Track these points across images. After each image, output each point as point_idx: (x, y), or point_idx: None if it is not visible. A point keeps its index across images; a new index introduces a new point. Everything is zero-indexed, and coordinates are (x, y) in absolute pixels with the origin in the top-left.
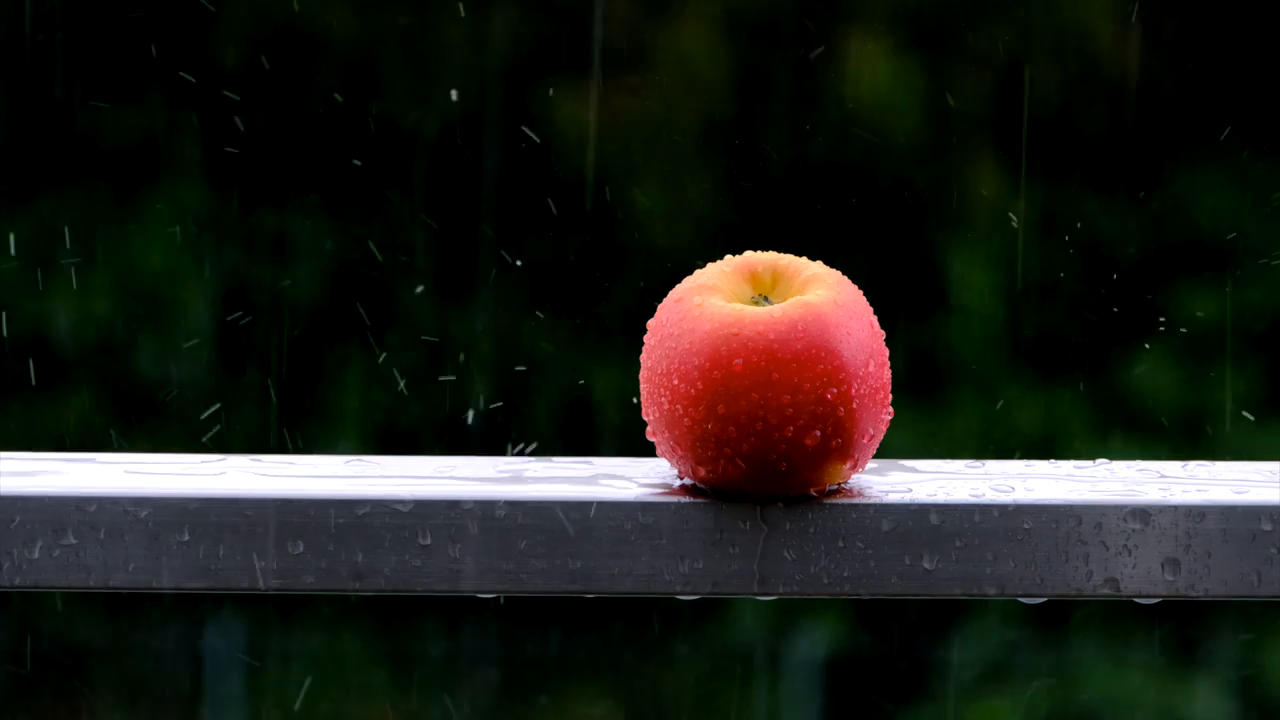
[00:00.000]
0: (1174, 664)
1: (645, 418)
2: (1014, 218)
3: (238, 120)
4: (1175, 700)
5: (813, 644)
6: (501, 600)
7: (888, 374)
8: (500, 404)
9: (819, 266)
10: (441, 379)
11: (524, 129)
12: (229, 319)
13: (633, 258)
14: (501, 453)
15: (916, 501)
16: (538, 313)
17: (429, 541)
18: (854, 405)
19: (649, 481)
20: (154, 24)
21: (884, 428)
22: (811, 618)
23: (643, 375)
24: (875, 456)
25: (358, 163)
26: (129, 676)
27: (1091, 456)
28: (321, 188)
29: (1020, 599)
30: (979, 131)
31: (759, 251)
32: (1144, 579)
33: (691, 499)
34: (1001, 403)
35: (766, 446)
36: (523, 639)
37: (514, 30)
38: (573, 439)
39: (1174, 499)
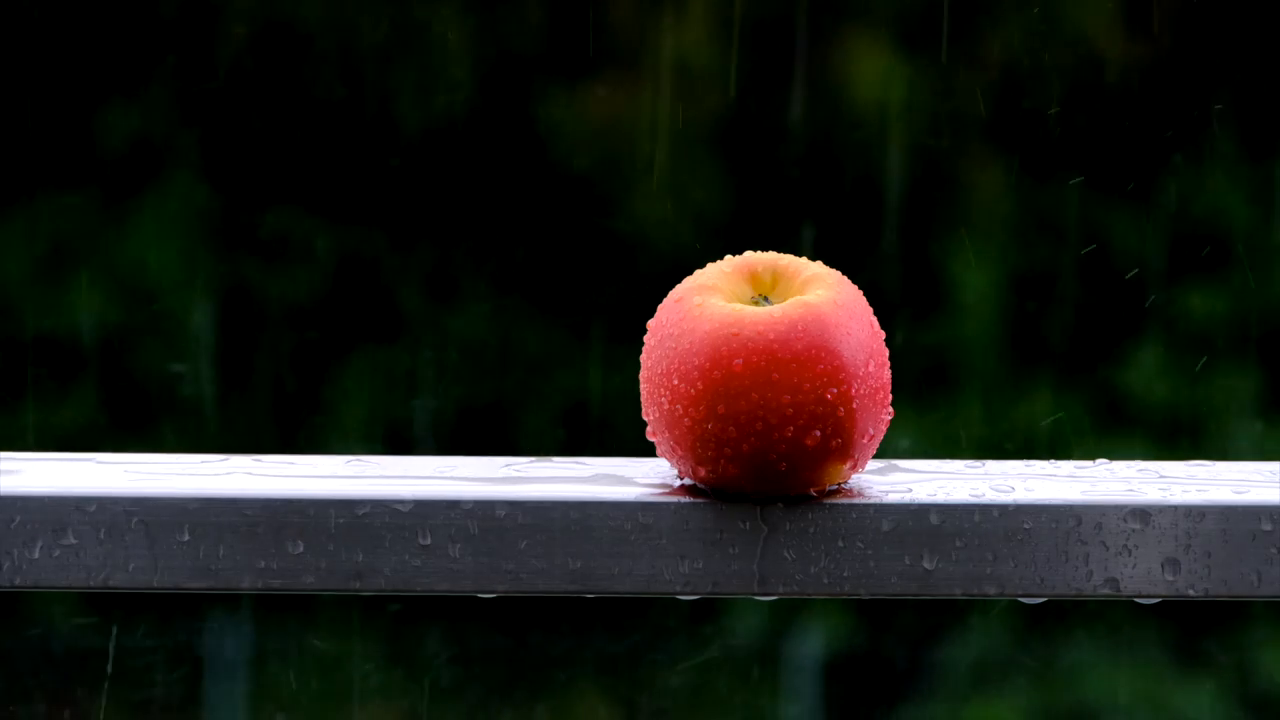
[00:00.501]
0: (1174, 664)
1: (645, 418)
2: (1014, 218)
3: (238, 120)
4: (1175, 700)
5: (813, 644)
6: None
7: (888, 374)
8: (500, 404)
9: (819, 266)
10: (441, 379)
11: (524, 128)
12: (229, 319)
13: (633, 258)
14: (501, 453)
15: (916, 501)
16: (537, 313)
17: (429, 541)
18: (854, 405)
19: (649, 481)
20: (154, 23)
21: (884, 428)
22: (811, 618)
23: (643, 375)
24: (875, 456)
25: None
26: (129, 676)
27: (1091, 456)
28: (321, 187)
29: (1020, 599)
30: (979, 131)
31: (759, 251)
32: (1144, 579)
33: (691, 499)
34: (1002, 403)
35: (766, 446)
36: (523, 639)
37: (514, 29)
38: (572, 439)
39: (1174, 499)
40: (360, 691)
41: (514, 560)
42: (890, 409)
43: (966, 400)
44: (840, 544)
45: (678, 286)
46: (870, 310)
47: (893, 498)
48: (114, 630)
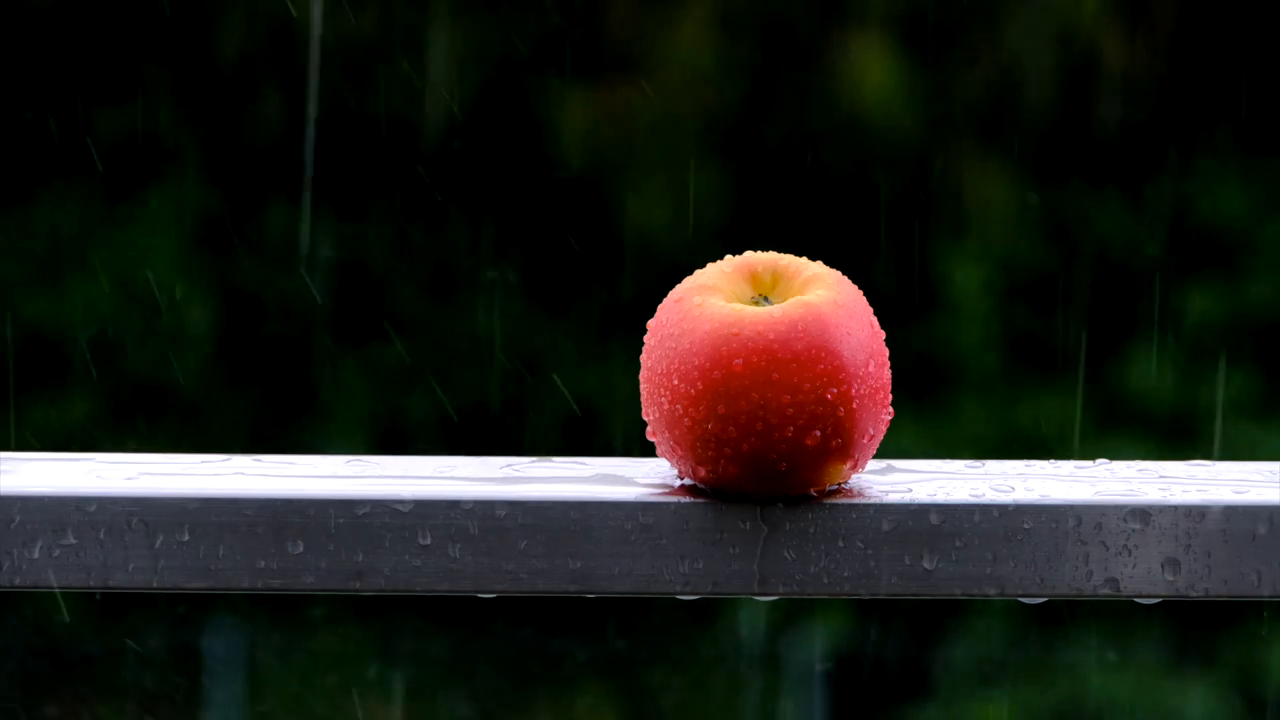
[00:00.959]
0: (1174, 664)
1: (645, 418)
2: (1013, 218)
3: (238, 120)
4: (1175, 700)
5: (813, 644)
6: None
7: (888, 374)
8: (500, 403)
9: (819, 266)
10: (441, 379)
11: (524, 128)
12: (228, 319)
13: (633, 258)
14: (501, 453)
15: (916, 501)
16: (537, 312)
17: (429, 541)
18: (854, 405)
19: (649, 481)
20: (154, 23)
21: (884, 428)
22: (811, 618)
23: (643, 375)
24: (875, 456)
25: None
26: (129, 676)
27: (1091, 456)
28: (321, 187)
29: (1020, 599)
30: (979, 131)
31: (759, 251)
32: (1144, 579)
33: (691, 499)
34: (1001, 403)
35: (766, 446)
36: (523, 639)
37: (514, 30)
38: (573, 439)
39: (1174, 499)
40: (360, 692)
41: (514, 560)
42: (890, 409)
43: (966, 400)
44: (840, 544)
45: (678, 286)
46: (870, 310)
47: (893, 498)
48: (114, 630)
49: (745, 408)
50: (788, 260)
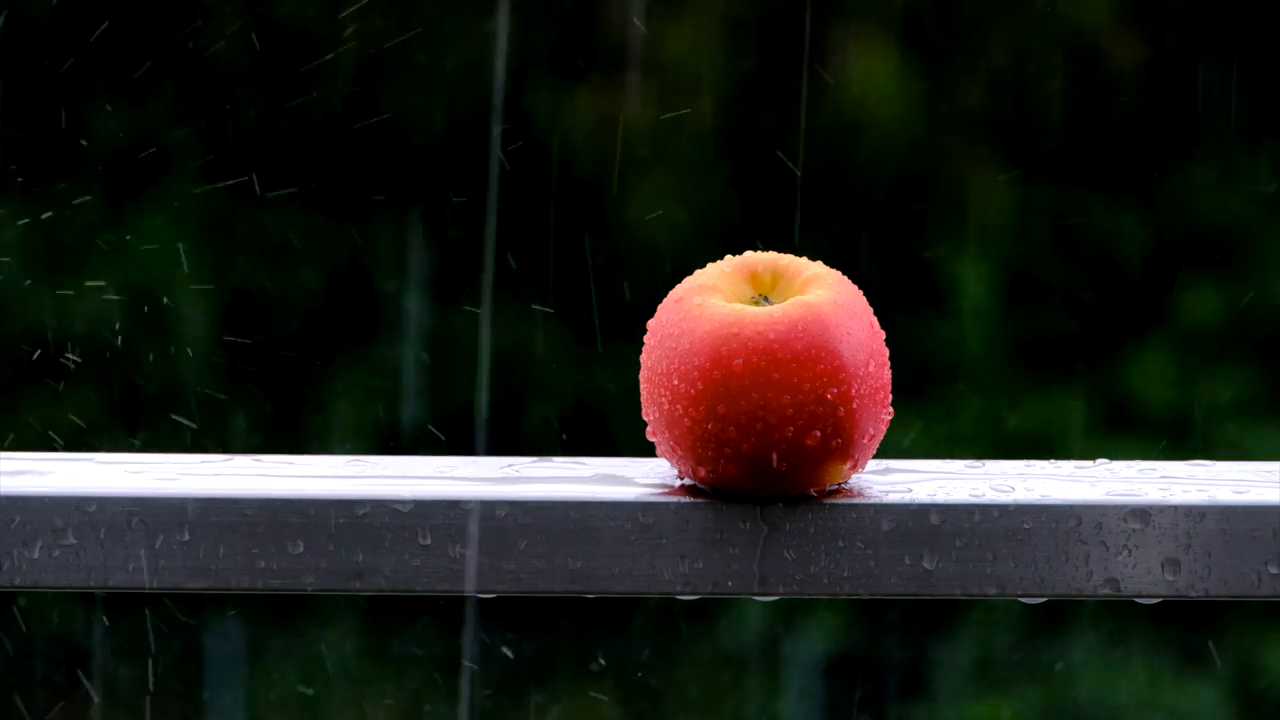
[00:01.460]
0: (1174, 664)
1: (645, 418)
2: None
3: (238, 119)
4: (1175, 700)
5: (813, 644)
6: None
7: (888, 374)
8: (500, 404)
9: (819, 266)
10: (441, 379)
11: (524, 128)
12: (228, 318)
13: (633, 258)
14: (502, 453)
15: (916, 501)
16: (537, 313)
17: (429, 541)
18: (854, 405)
19: (649, 481)
20: (154, 22)
21: (884, 428)
22: (811, 618)
23: (643, 375)
24: (875, 456)
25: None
26: (129, 676)
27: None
28: (321, 187)
29: (1020, 599)
30: (979, 131)
31: (759, 251)
32: (1144, 579)
33: (691, 499)
34: (1002, 403)
35: (766, 446)
36: (522, 639)
37: (514, 30)
38: (573, 439)
39: (1174, 499)
40: (360, 692)
41: (514, 560)
42: (890, 409)
43: (966, 400)
44: (840, 544)
45: (678, 286)
46: (870, 310)
47: (893, 498)
48: (114, 630)
49: (745, 408)
50: (788, 260)
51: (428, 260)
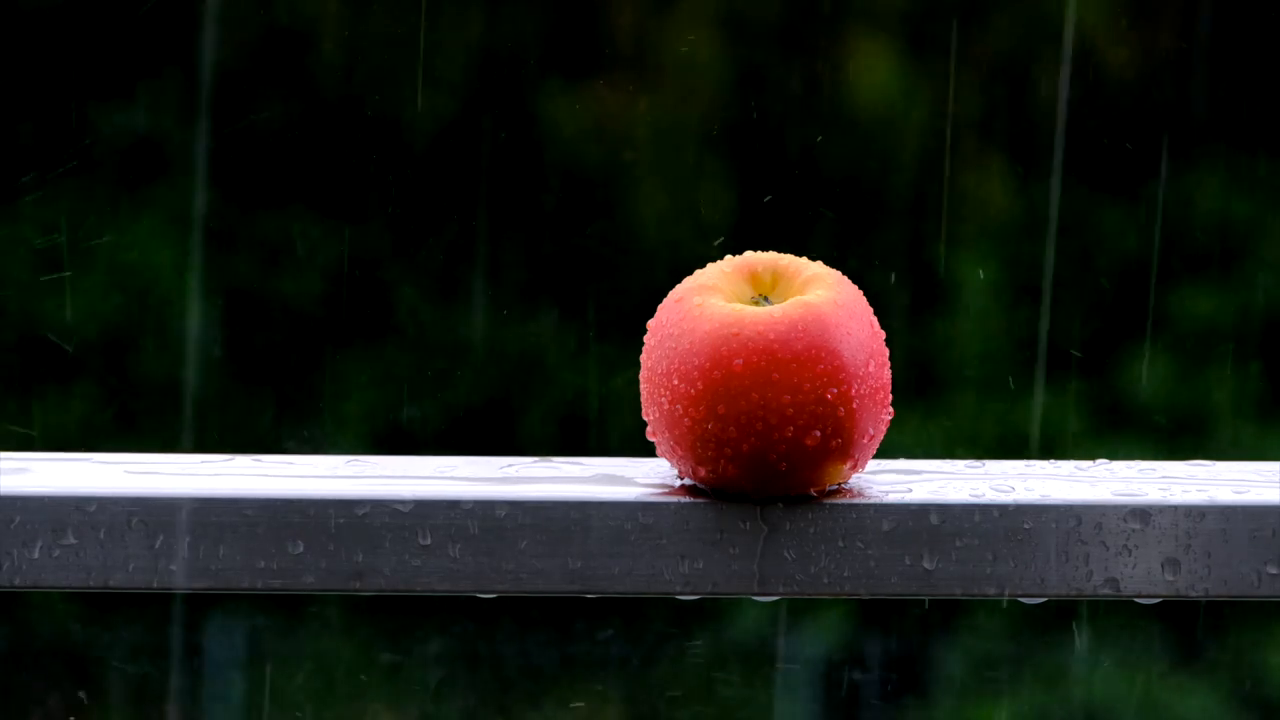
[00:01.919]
0: (1174, 664)
1: (645, 418)
2: (1014, 218)
3: (238, 119)
4: (1175, 700)
5: (813, 644)
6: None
7: (888, 374)
8: (499, 404)
9: (819, 266)
10: (441, 379)
11: (524, 128)
12: (228, 318)
13: (633, 258)
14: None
15: (916, 501)
16: (537, 313)
17: (429, 541)
18: (854, 405)
19: (649, 481)
20: (154, 22)
21: (884, 428)
22: (811, 618)
23: (643, 375)
24: (875, 456)
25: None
26: (129, 676)
27: (1091, 456)
28: (321, 187)
29: (1020, 599)
30: (980, 131)
31: (759, 251)
32: (1144, 579)
33: (691, 499)
34: (1002, 403)
35: (766, 446)
36: (523, 639)
37: (514, 29)
38: (573, 439)
39: (1174, 499)
40: (360, 692)
41: (514, 560)
42: (890, 409)
43: (967, 400)
44: (840, 544)
45: (678, 286)
46: (870, 310)
47: (893, 498)
48: (114, 630)
49: (745, 408)
50: (788, 260)
51: (427, 260)
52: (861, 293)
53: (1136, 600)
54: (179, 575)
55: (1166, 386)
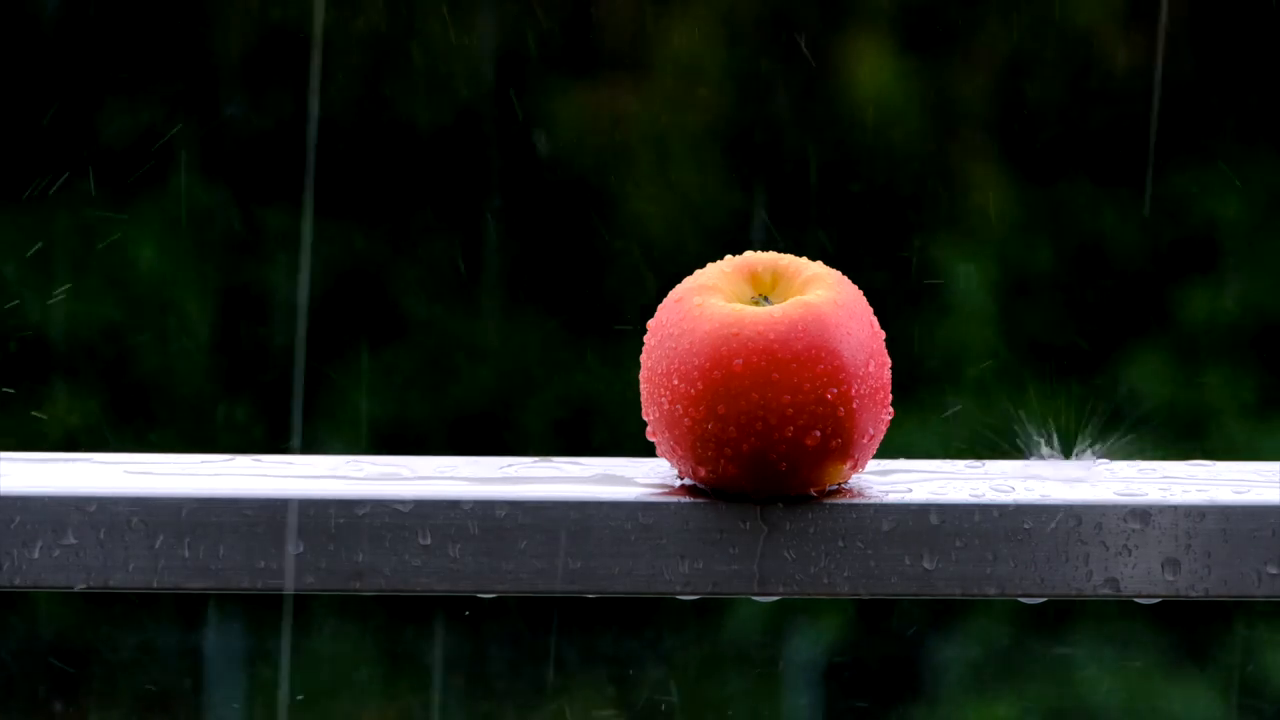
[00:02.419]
0: (1174, 664)
1: (645, 418)
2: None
3: (239, 119)
4: (1175, 700)
5: (813, 644)
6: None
7: (888, 374)
8: (499, 404)
9: (819, 266)
10: (441, 379)
11: (524, 128)
12: (229, 318)
13: (632, 257)
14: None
15: (916, 501)
16: (537, 313)
17: (429, 541)
18: (854, 405)
19: (649, 481)
20: (154, 21)
21: (884, 428)
22: (811, 618)
23: (643, 375)
24: (875, 456)
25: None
26: (129, 676)
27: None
28: (321, 187)
29: (1020, 599)
30: (979, 131)
31: (759, 251)
32: (1144, 579)
33: (691, 499)
34: (1001, 403)
35: (766, 446)
36: (523, 639)
37: (514, 29)
38: (572, 439)
39: (1174, 499)
40: (360, 692)
41: (514, 560)
42: (890, 409)
43: (966, 400)
44: (840, 544)
45: (678, 286)
46: (870, 310)
47: (893, 498)
48: (114, 630)
49: (745, 408)
50: (788, 260)
51: (428, 260)
52: (861, 293)
53: (1136, 600)
54: (179, 575)
55: (1166, 386)
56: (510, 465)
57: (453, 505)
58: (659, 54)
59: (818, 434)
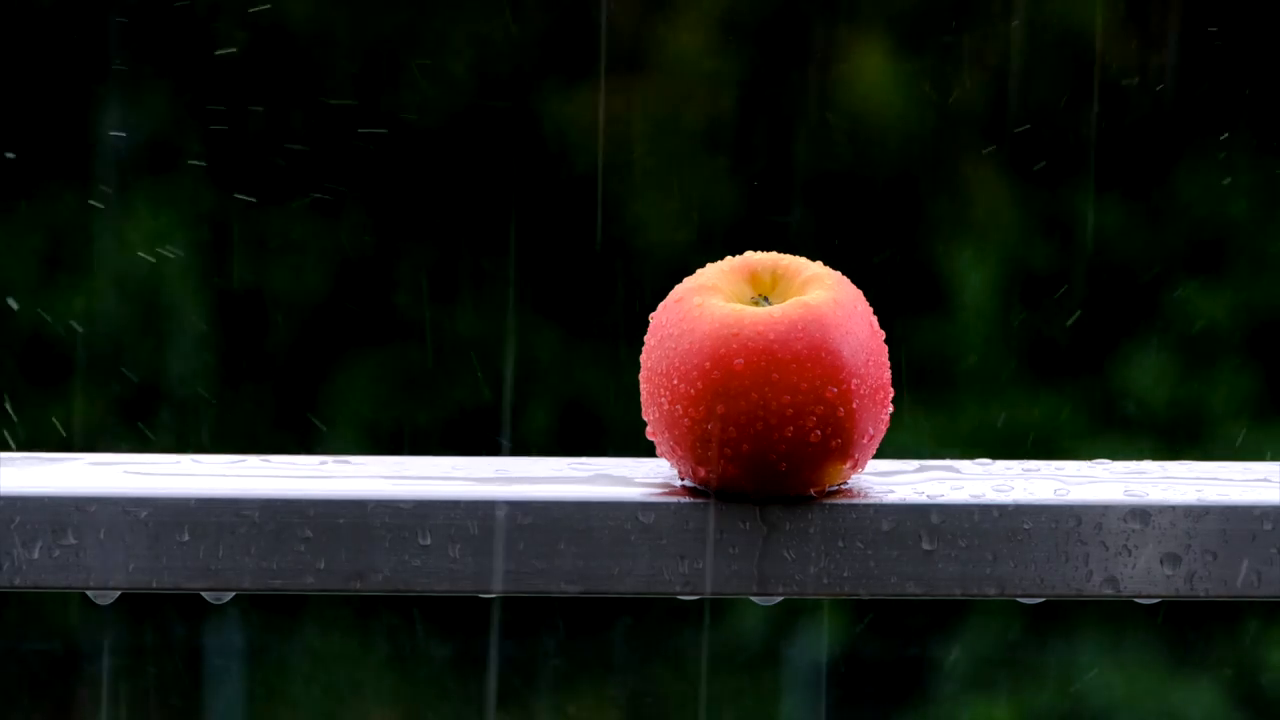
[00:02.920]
0: (1174, 664)
1: (645, 418)
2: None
3: (240, 119)
4: (1175, 700)
5: (813, 644)
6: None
7: (888, 374)
8: (500, 404)
9: (819, 267)
10: (441, 379)
11: (525, 128)
12: (229, 319)
13: (633, 258)
14: (501, 453)
15: (916, 501)
16: (538, 313)
17: (429, 541)
18: (854, 405)
19: (649, 481)
20: (155, 21)
21: (884, 428)
22: (812, 618)
23: (643, 375)
24: (875, 456)
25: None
26: (128, 676)
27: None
28: (321, 186)
29: (1020, 599)
30: (978, 131)
31: (759, 252)
32: (1144, 579)
33: (691, 499)
34: (1002, 403)
35: (766, 446)
36: (523, 639)
37: (515, 30)
38: (573, 439)
39: (1174, 499)
40: (360, 691)
41: (514, 560)
42: (890, 409)
43: (967, 400)
44: (840, 544)
45: (678, 286)
46: (870, 310)
47: (893, 498)
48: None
49: (745, 408)
50: (788, 260)
51: (428, 260)
52: (861, 293)
53: (1136, 600)
54: (179, 575)
55: (1166, 386)
56: (510, 465)
57: (453, 505)
58: (660, 54)
59: (818, 434)
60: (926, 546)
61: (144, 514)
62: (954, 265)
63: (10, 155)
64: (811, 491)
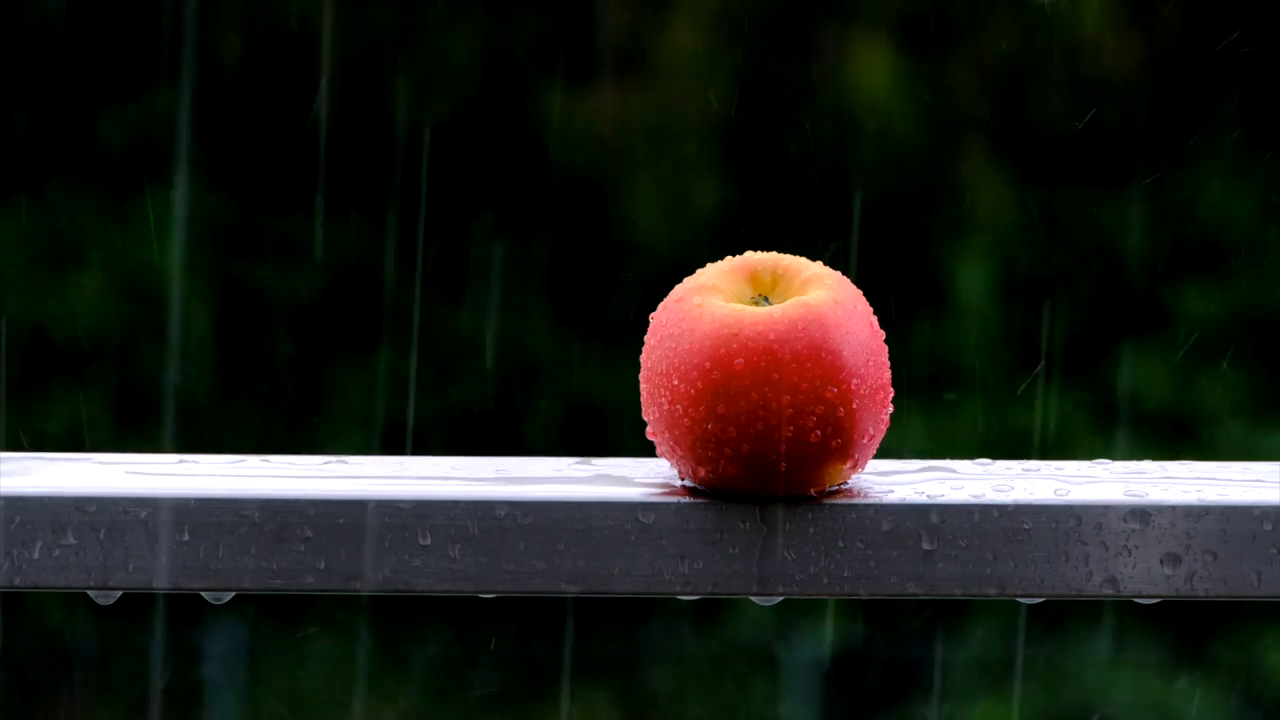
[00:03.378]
0: (1174, 664)
1: (645, 418)
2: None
3: (239, 120)
4: (1175, 700)
5: (813, 644)
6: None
7: (888, 374)
8: (500, 404)
9: (819, 267)
10: (441, 379)
11: (524, 129)
12: (229, 319)
13: (633, 258)
14: (502, 453)
15: (916, 501)
16: (537, 313)
17: (429, 541)
18: (854, 405)
19: (649, 481)
20: (155, 22)
21: (884, 428)
22: (812, 618)
23: (643, 375)
24: (875, 456)
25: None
26: (129, 676)
27: (1091, 456)
28: (321, 187)
29: (1020, 599)
30: (979, 131)
31: (759, 252)
32: (1144, 579)
33: (691, 499)
34: (1002, 403)
35: (766, 446)
36: (524, 639)
37: (514, 30)
38: (573, 439)
39: (1174, 499)
40: (361, 692)
41: (514, 560)
42: (890, 409)
43: (967, 400)
44: (840, 544)
45: (678, 286)
46: (870, 310)
47: (893, 498)
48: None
49: (745, 408)
50: (788, 260)
51: (428, 260)
52: (861, 293)
53: (1136, 600)
54: (179, 575)
55: (1166, 386)
56: (510, 465)
57: (453, 505)
58: (659, 54)
59: (818, 434)
60: (926, 546)
61: (144, 514)
62: (954, 265)
63: (11, 155)
64: (811, 491)
